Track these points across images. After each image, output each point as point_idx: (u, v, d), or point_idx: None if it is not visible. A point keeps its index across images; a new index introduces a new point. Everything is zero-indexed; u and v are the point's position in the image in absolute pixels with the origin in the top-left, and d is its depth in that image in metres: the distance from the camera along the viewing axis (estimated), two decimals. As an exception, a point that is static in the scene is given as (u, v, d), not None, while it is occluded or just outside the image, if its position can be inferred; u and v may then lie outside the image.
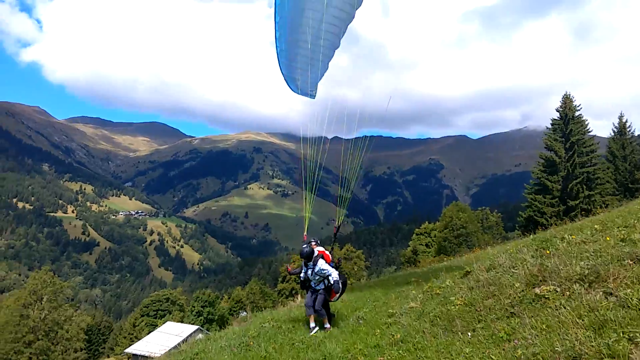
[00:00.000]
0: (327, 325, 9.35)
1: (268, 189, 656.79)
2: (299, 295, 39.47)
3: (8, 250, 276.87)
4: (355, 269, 73.44)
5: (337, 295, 9.43)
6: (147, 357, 41.66)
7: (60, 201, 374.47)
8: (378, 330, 8.02)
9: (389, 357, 6.41)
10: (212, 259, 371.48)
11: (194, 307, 68.97)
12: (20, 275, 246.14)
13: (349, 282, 12.15)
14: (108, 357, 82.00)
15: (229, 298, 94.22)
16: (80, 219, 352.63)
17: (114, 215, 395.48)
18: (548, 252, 8.44)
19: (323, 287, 9.26)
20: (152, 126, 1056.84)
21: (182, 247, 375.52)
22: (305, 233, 11.10)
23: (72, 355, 62.79)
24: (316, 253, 9.53)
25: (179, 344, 30.39)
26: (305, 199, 12.67)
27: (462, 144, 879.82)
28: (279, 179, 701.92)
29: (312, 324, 9.38)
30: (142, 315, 74.92)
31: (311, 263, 9.49)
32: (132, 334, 69.66)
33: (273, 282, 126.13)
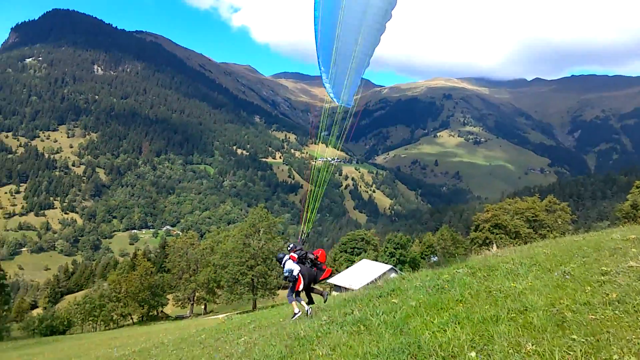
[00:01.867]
0: (296, 311, 11.00)
1: (459, 136, 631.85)
2: (494, 244, 38.00)
3: (232, 190, 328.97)
4: (560, 223, 66.95)
5: (302, 284, 10.70)
6: (346, 288, 45.83)
7: (270, 148, 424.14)
8: (589, 288, 7.35)
9: (603, 317, 5.87)
10: (402, 204, 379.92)
11: (387, 247, 72.37)
12: (241, 210, 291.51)
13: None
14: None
15: (420, 242, 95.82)
16: (286, 164, 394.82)
17: (313, 161, 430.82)
18: None
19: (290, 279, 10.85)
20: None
21: (374, 192, 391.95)
22: (301, 235, 12.37)
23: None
24: (286, 258, 10.89)
25: (373, 280, 32.61)
26: (310, 191, 12.71)
27: None
28: (470, 125, 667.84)
29: (295, 309, 11.09)
30: (341, 251, 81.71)
31: (281, 265, 11.00)
32: (333, 267, 76.85)
33: (465, 230, 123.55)
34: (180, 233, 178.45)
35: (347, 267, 64.23)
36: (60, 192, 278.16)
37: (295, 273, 10.62)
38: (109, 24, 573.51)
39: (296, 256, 11.00)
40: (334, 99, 11.71)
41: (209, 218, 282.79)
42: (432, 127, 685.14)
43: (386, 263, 61.61)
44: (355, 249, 79.80)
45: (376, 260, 64.28)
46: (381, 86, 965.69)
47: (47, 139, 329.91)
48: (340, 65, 10.91)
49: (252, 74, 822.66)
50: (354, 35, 10.60)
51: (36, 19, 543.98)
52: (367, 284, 14.93)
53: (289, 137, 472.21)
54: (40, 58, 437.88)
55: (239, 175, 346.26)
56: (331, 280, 58.59)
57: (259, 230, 61.77)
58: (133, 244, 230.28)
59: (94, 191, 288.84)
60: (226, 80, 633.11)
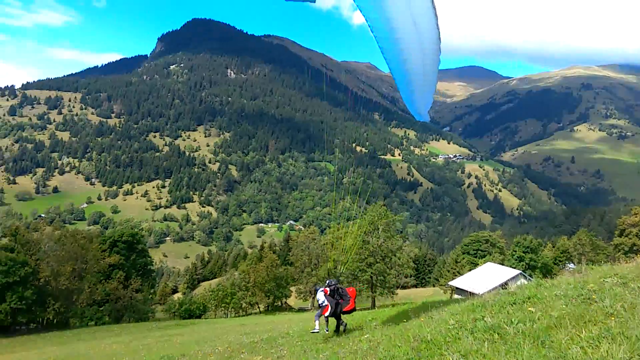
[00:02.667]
0: (316, 328, 13.09)
1: (600, 130, 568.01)
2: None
3: (350, 187, 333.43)
4: None
5: (328, 311, 12.87)
6: (470, 292, 43.74)
7: (389, 145, 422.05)
8: None
9: None
10: (532, 204, 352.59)
11: (515, 251, 67.61)
12: (360, 207, 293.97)
13: None
14: (434, 286, 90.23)
15: (553, 247, 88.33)
16: (405, 161, 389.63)
17: (434, 158, 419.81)
18: None
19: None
20: (467, 70, 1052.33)
21: (500, 191, 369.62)
22: (330, 271, 15.46)
23: (403, 280, 71.87)
24: (320, 290, 13.22)
25: (500, 285, 30.63)
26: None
27: None
28: (614, 118, 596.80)
29: (316, 327, 13.15)
30: (463, 253, 78.25)
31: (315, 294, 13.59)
32: (455, 269, 73.94)
33: (607, 235, 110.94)
34: (303, 228, 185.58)
35: (470, 270, 61.32)
36: (199, 187, 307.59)
37: (320, 301, 13.00)
38: (240, 30, 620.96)
39: (328, 290, 13.25)
40: (413, 115, 12.08)
41: (329, 214, 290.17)
42: (568, 121, 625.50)
43: (514, 268, 57.55)
44: (479, 251, 75.96)
45: (502, 264, 60.39)
46: (509, 77, 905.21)
47: (188, 138, 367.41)
48: (411, 83, 11.29)
49: (372, 71, 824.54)
50: (420, 56, 10.42)
51: (178, 28, 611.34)
52: (493, 289, 14.12)
53: (409, 134, 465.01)
54: (182, 64, 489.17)
55: (357, 173, 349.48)
56: (452, 283, 56.53)
57: (378, 228, 61.51)
58: (260, 237, 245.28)
59: (227, 186, 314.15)
60: (346, 78, 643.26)
